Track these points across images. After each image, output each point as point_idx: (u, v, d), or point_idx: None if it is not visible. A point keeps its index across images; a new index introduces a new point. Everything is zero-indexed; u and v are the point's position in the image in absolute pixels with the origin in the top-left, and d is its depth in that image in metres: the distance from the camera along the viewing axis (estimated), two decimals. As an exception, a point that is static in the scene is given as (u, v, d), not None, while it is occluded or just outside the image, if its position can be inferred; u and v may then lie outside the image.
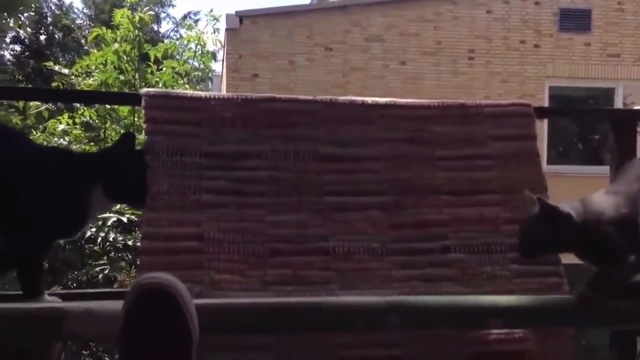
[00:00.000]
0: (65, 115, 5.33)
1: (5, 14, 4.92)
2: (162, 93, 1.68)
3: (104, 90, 5.02)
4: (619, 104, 9.02)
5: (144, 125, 1.59)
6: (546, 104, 8.59)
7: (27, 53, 15.57)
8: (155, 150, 1.53)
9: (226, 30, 8.76)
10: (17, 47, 15.89)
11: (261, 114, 1.61)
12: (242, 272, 1.46)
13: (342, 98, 1.70)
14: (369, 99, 1.69)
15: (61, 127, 5.22)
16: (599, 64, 9.15)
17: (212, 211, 1.50)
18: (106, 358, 3.98)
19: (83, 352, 3.95)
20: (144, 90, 1.67)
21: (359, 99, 1.70)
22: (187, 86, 5.58)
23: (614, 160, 1.81)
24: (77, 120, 5.30)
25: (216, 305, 1.28)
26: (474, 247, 1.54)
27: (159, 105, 1.58)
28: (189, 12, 18.45)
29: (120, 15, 5.49)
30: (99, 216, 4.06)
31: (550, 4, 9.15)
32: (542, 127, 8.38)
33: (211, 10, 6.29)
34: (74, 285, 3.93)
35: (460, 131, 1.67)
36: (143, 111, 1.60)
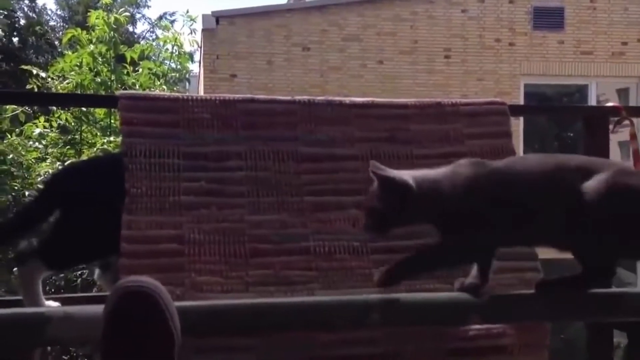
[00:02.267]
0: (42, 119, 5.27)
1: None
2: (138, 95, 1.68)
3: (79, 92, 4.96)
4: (592, 100, 9.18)
5: (121, 128, 1.58)
6: (521, 101, 8.72)
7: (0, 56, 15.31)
8: (132, 152, 1.52)
9: (203, 30, 8.72)
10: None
11: (240, 114, 1.61)
12: (223, 273, 1.46)
13: (320, 98, 1.71)
14: (347, 99, 1.71)
15: (37, 130, 5.15)
16: (572, 62, 9.30)
17: (192, 212, 1.50)
18: (86, 363, 3.94)
19: (63, 357, 3.90)
20: (120, 92, 1.66)
21: (337, 98, 1.71)
22: (164, 87, 5.54)
23: (588, 154, 1.84)
24: (54, 124, 5.24)
25: (197, 307, 1.28)
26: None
27: (136, 107, 1.58)
28: (165, 13, 18.37)
29: (96, 17, 5.43)
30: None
31: (524, 2, 9.28)
32: (518, 125, 8.50)
33: (187, 11, 6.22)
34: (52, 290, 3.88)
35: (438, 129, 1.69)
36: (119, 113, 1.59)
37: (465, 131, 1.70)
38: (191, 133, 1.57)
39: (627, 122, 1.91)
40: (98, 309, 1.08)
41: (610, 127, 1.90)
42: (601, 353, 1.74)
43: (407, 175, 1.31)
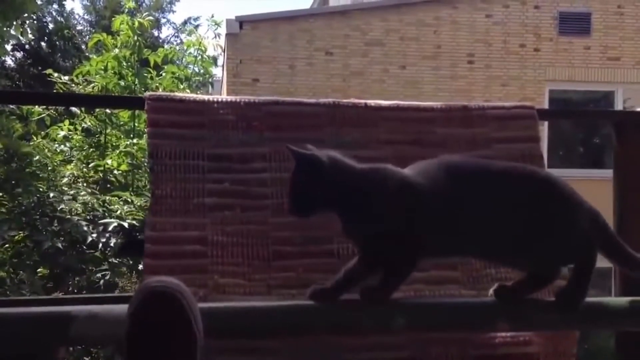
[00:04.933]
0: (67, 122, 5.34)
1: (7, 21, 4.92)
2: (165, 96, 1.68)
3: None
4: (618, 107, 9.04)
5: (147, 129, 1.59)
6: (546, 107, 8.60)
7: (29, 60, 15.62)
8: (158, 153, 1.52)
9: (226, 35, 8.78)
10: (19, 54, 15.94)
11: (264, 116, 1.61)
12: (246, 275, 1.46)
13: (345, 100, 1.70)
14: (372, 102, 1.69)
15: (62, 133, 5.23)
16: (598, 68, 9.17)
17: (216, 214, 1.50)
18: (108, 364, 3.97)
19: (84, 358, 3.93)
20: (147, 93, 1.67)
21: (361, 101, 1.70)
22: (187, 91, 5.59)
23: (618, 163, 1.81)
24: (78, 127, 5.31)
25: (220, 309, 1.28)
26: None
27: (162, 109, 1.58)
28: (189, 18, 18.52)
29: (120, 22, 5.50)
30: (100, 221, 4.07)
31: (549, 7, 9.18)
32: (543, 131, 8.39)
33: (212, 16, 6.28)
34: (75, 290, 3.92)
35: (464, 133, 1.67)
36: (146, 114, 1.60)
37: (493, 135, 1.67)
38: (216, 134, 1.57)
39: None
40: (123, 308, 1.08)
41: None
42: (630, 363, 1.70)
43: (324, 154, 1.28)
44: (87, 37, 14.71)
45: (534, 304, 1.35)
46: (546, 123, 8.39)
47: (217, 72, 11.72)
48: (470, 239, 1.28)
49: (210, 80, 7.20)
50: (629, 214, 1.72)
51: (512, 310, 1.33)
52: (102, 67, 5.42)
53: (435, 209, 1.25)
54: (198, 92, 5.99)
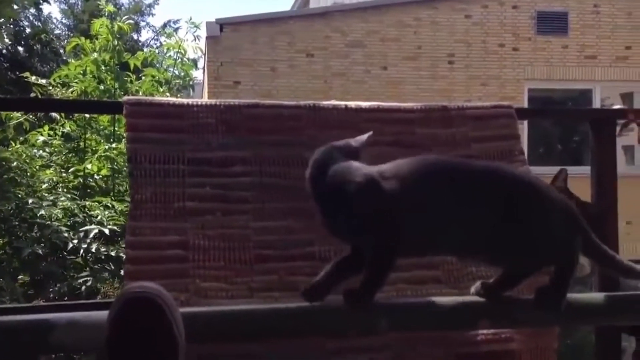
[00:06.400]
0: (46, 127, 5.28)
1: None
2: (144, 100, 1.67)
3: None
4: (596, 105, 9.14)
5: (126, 134, 1.58)
6: (525, 106, 8.68)
7: (6, 64, 15.38)
8: (137, 158, 1.51)
9: (207, 38, 8.74)
10: (-5, 59, 15.69)
11: (245, 119, 1.61)
12: (228, 279, 1.45)
13: (325, 103, 1.70)
14: (352, 103, 1.70)
15: (42, 138, 5.17)
16: (576, 66, 9.28)
17: (197, 218, 1.49)
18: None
19: (67, 365, 3.89)
20: (126, 97, 1.66)
21: (342, 103, 1.70)
22: (167, 94, 5.55)
23: (595, 160, 1.83)
24: (58, 132, 5.25)
25: (202, 313, 1.27)
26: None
27: (141, 113, 1.57)
28: (169, 21, 18.40)
29: (99, 25, 5.45)
30: (81, 228, 4.02)
31: (527, 7, 9.27)
32: (522, 130, 8.47)
33: (191, 18, 6.23)
34: (56, 297, 3.87)
35: (443, 133, 1.68)
36: (125, 119, 1.59)
37: (472, 134, 1.69)
38: (196, 138, 1.56)
39: (633, 125, 1.90)
40: (103, 315, 1.07)
41: (617, 130, 1.88)
42: (609, 358, 1.72)
43: None
44: (65, 41, 14.53)
45: (515, 302, 1.36)
46: (526, 122, 8.48)
47: (198, 75, 11.65)
48: (446, 237, 1.28)
49: (191, 83, 7.15)
50: (605, 210, 1.75)
51: (493, 308, 1.34)
52: (81, 71, 5.37)
53: (406, 208, 1.25)
54: (179, 96, 5.94)
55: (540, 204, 1.30)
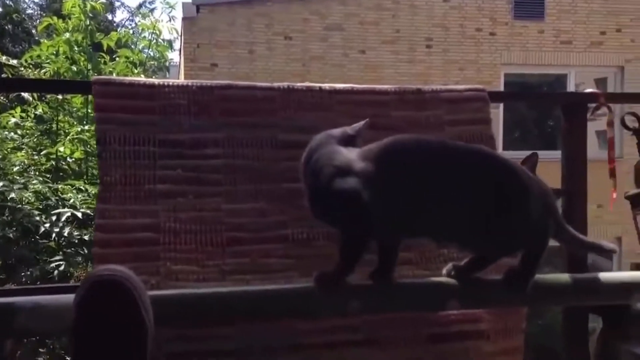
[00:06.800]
0: (18, 109, 5.17)
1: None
2: (113, 80, 1.63)
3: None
4: (571, 89, 9.23)
5: (94, 114, 1.54)
6: (502, 90, 8.73)
7: (-26, 44, 14.99)
8: (106, 139, 1.48)
9: (183, 19, 8.61)
10: (-36, 39, 15.29)
11: (217, 101, 1.58)
12: (200, 262, 1.44)
13: (299, 84, 1.68)
14: (327, 85, 1.68)
15: (13, 120, 5.06)
16: (552, 51, 9.36)
17: (168, 201, 1.47)
18: (66, 357, 3.88)
19: (40, 349, 3.84)
20: (95, 77, 1.62)
21: (316, 85, 1.68)
22: (142, 76, 5.45)
23: (565, 143, 1.85)
24: (30, 114, 5.14)
25: (172, 296, 1.26)
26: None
27: (110, 93, 1.54)
28: (145, 1, 18.09)
29: (71, 5, 5.32)
30: (53, 212, 3.96)
31: (505, -8, 9.30)
32: (498, 114, 8.54)
33: (166, -2, 6.13)
34: (28, 282, 3.81)
35: (417, 116, 1.68)
36: (94, 99, 1.55)
37: (446, 117, 1.69)
38: (167, 120, 1.53)
39: (604, 109, 1.91)
40: (69, 299, 1.05)
41: (588, 114, 1.89)
42: (576, 337, 1.75)
43: None
44: (37, 21, 14.21)
45: (484, 283, 1.38)
46: (501, 106, 8.53)
47: (174, 56, 11.50)
48: (422, 221, 1.27)
49: (166, 64, 7.05)
50: (574, 194, 1.77)
51: (463, 289, 1.35)
52: (54, 52, 5.24)
53: (378, 191, 1.24)
54: (154, 77, 5.86)
55: (521, 191, 1.28)
